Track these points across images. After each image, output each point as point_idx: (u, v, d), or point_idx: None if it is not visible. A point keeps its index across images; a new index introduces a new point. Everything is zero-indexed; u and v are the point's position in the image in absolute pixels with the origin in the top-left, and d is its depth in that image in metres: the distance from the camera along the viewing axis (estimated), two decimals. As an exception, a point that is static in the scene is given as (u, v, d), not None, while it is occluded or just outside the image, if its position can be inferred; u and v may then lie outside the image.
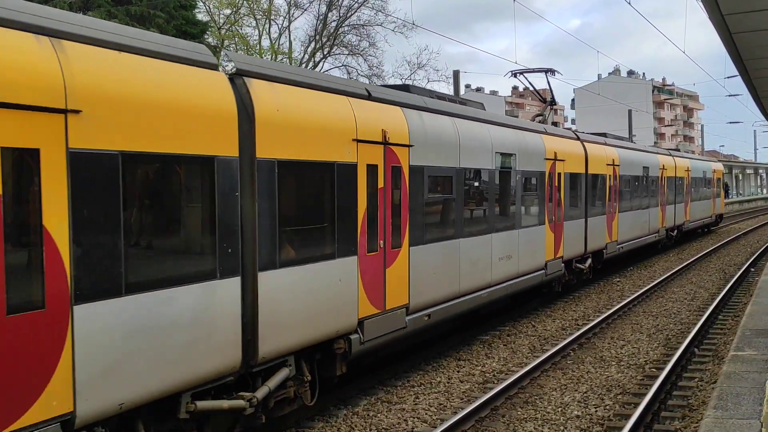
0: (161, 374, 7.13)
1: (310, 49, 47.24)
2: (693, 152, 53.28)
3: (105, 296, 6.57)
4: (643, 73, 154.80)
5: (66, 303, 6.20)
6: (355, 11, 45.92)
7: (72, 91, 6.29)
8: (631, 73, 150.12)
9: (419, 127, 11.90)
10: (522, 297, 17.97)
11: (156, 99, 7.09)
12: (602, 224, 22.39)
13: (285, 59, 46.46)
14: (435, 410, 10.86)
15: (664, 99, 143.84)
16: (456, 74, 33.66)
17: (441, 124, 12.88)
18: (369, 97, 10.94)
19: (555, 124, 23.42)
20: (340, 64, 47.75)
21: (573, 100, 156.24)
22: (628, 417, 10.23)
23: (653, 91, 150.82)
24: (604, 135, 25.50)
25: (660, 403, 11.12)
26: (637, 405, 10.78)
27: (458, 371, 13.08)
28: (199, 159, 7.56)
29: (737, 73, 17.03)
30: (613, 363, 13.67)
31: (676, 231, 33.21)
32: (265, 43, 48.00)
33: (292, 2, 45.91)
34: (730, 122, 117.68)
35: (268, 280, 8.50)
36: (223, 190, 7.87)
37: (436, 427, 9.85)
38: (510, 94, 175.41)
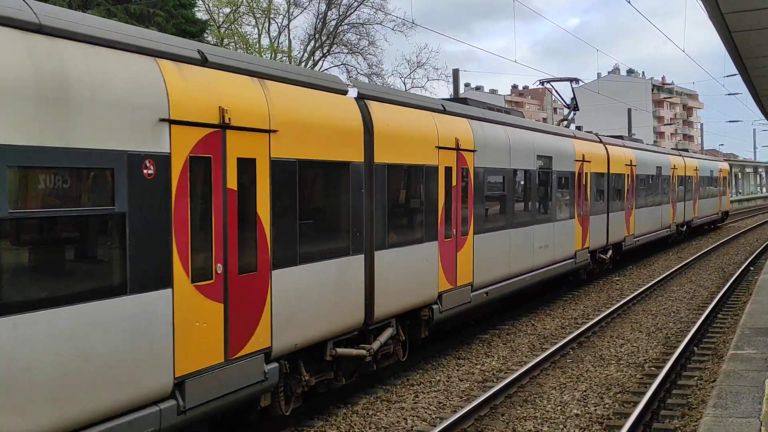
0: (318, 325, 9.50)
1: (309, 48, 47.23)
2: (695, 151, 53.50)
3: (288, 264, 8.92)
4: (643, 72, 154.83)
5: (268, 268, 8.60)
6: (355, 10, 45.89)
7: (273, 118, 8.67)
8: (630, 72, 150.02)
9: (481, 135, 14.36)
10: (554, 282, 20.11)
11: (314, 120, 9.43)
12: (621, 219, 24.78)
13: (284, 58, 46.44)
14: (434, 409, 10.86)
15: (664, 98, 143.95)
16: (456, 73, 33.66)
17: (496, 132, 15.37)
18: (444, 111, 13.39)
19: (579, 127, 25.88)
20: (340, 63, 47.73)
21: (573, 98, 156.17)
22: (627, 416, 10.24)
23: (653, 90, 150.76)
24: (621, 137, 28.13)
25: (659, 401, 11.13)
26: (636, 404, 10.79)
27: (458, 370, 13.08)
28: (341, 164, 10.00)
29: (737, 72, 17.02)
30: (613, 362, 13.68)
31: (685, 227, 35.53)
32: (265, 41, 47.98)
33: (292, 1, 45.88)
34: (730, 121, 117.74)
35: (381, 258, 10.87)
36: (354, 187, 10.24)
37: (435, 426, 9.86)
38: (510, 93, 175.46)
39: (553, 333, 16.11)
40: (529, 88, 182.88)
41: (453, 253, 13.18)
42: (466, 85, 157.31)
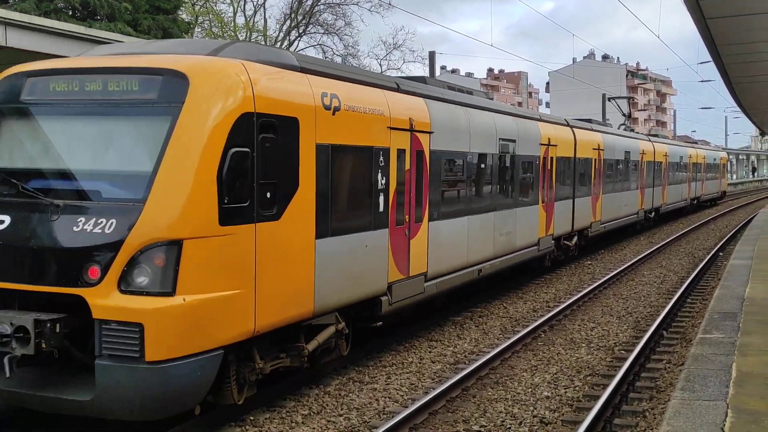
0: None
1: (285, 28, 46.88)
2: (665, 136, 54.35)
3: (437, 219, 13.66)
4: (618, 57, 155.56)
5: (427, 221, 13.16)
6: (332, -11, 45.59)
7: (432, 123, 13.27)
8: (605, 57, 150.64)
9: (438, 116, 13.79)
10: (518, 270, 19.76)
11: (444, 120, 13.98)
12: (588, 205, 24.36)
13: (260, 37, 46.05)
14: (406, 390, 10.91)
15: (638, 83, 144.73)
16: (432, 55, 33.60)
17: (455, 113, 14.77)
18: (398, 89, 12.84)
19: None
20: (316, 43, 47.44)
21: (548, 83, 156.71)
22: (597, 398, 10.34)
23: (627, 76, 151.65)
24: (589, 121, 27.34)
25: (628, 384, 11.25)
26: (606, 386, 10.90)
27: (430, 352, 13.13)
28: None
29: (710, 59, 17.15)
30: (584, 345, 13.81)
31: (653, 213, 35.07)
32: (240, 20, 47.55)
33: (268, -21, 45.48)
34: (702, 108, 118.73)
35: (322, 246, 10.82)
36: (400, 168, 12.38)
37: (407, 407, 9.90)
38: (486, 77, 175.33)
39: (525, 316, 16.22)
40: (505, 71, 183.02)
41: (405, 241, 12.42)
42: (442, 67, 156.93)
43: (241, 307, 8.49)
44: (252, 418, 9.58)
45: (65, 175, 8.54)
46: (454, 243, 14.43)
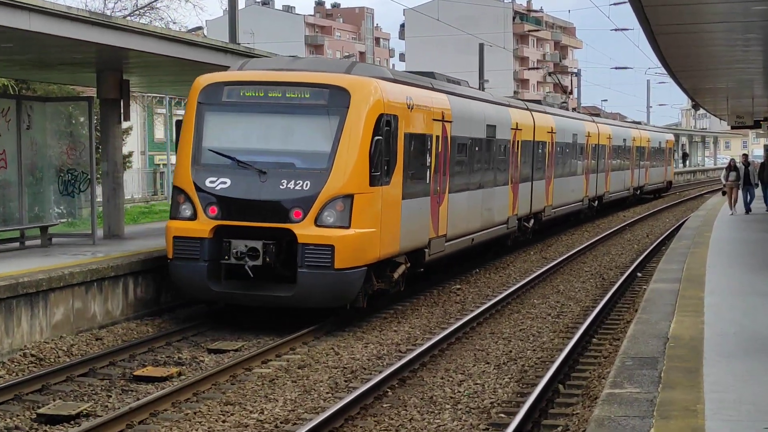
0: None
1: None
2: (598, 115, 58.25)
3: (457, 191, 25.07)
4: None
5: (444, 193, 23.78)
6: None
7: (452, 113, 23.98)
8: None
9: (455, 108, 24.64)
10: (488, 246, 30.18)
11: (467, 112, 25.72)
12: (542, 188, 34.96)
13: None
14: None
15: (529, 30, 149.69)
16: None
17: (465, 105, 25.92)
18: (432, 88, 23.99)
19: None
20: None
21: (402, 26, 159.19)
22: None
23: (514, 19, 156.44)
24: (539, 102, 40.73)
25: (509, 462, 11.59)
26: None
27: (224, 421, 13.11)
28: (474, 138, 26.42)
29: (626, -1, 17.85)
30: (448, 406, 14.13)
31: (597, 202, 46.62)
32: None
33: None
34: (616, 68, 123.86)
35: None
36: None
37: None
38: (313, 13, 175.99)
39: (365, 365, 16.44)
40: (341, 6, 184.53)
41: (437, 207, 23.23)
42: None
43: (376, 240, 19.21)
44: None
45: (265, 152, 19.14)
46: (461, 213, 25.26)
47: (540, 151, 34.19)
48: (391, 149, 19.87)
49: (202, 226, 18.74)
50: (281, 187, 18.43)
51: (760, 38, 21.42)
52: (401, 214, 20.47)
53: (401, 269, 21.04)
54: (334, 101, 18.90)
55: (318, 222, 18.27)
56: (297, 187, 18.38)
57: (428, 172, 22.37)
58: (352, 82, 19.33)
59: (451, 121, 23.80)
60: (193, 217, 18.86)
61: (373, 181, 19.02)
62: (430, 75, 25.11)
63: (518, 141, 30.70)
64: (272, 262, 18.33)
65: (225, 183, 18.75)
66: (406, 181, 20.69)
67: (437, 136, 22.87)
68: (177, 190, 19.45)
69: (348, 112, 18.79)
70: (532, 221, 33.68)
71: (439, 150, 22.99)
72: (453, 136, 24.02)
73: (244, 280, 18.54)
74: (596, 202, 46.02)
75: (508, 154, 29.68)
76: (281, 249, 18.57)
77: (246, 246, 18.21)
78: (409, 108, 20.90)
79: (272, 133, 19.47)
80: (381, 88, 19.63)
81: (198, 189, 18.88)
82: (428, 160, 22.34)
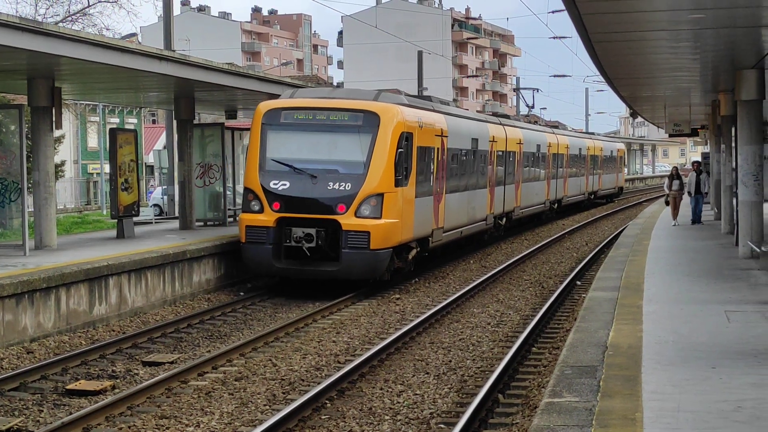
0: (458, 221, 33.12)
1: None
2: (530, 121, 59.52)
3: (452, 192, 32.16)
4: (440, 1, 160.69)
5: (442, 194, 30.61)
6: None
7: (448, 129, 31.09)
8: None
9: (450, 125, 31.30)
10: (470, 239, 36.99)
11: (457, 128, 32.92)
12: (513, 192, 42.10)
13: None
14: None
15: (468, 38, 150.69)
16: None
17: (457, 122, 32.82)
18: (433, 110, 30.53)
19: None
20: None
21: (341, 33, 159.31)
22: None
23: (453, 26, 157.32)
24: (507, 116, 50.39)
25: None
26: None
27: None
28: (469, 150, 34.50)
29: (564, 7, 17.99)
30: (387, 417, 14.15)
31: (557, 204, 54.58)
32: None
33: None
34: (555, 75, 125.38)
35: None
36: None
37: None
38: (250, 20, 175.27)
39: (303, 376, 16.41)
40: (278, 13, 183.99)
41: (437, 205, 29.40)
42: (183, 3, 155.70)
43: (398, 228, 25.56)
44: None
45: (315, 161, 25.48)
46: (454, 210, 31.49)
47: (511, 159, 41.81)
48: (408, 159, 26.21)
49: (268, 217, 24.73)
50: (329, 187, 24.75)
51: (697, 46, 21.66)
52: (414, 209, 26.76)
53: (413, 252, 27.47)
54: (367, 122, 25.32)
55: (357, 214, 24.53)
56: (340, 188, 24.78)
57: (432, 177, 28.78)
58: (380, 107, 25.83)
59: (447, 136, 30.38)
60: (261, 210, 24.90)
61: (397, 183, 25.33)
62: (428, 99, 32.81)
63: (494, 151, 38.20)
64: (323, 245, 24.28)
65: (285, 185, 25.10)
66: (417, 183, 27.07)
67: (438, 148, 29.30)
68: (248, 191, 25.68)
69: (378, 130, 25.19)
70: (504, 219, 41.10)
71: (439, 159, 29.45)
72: (448, 147, 30.57)
73: (300, 259, 24.72)
74: (556, 204, 54.34)
75: (486, 162, 36.87)
76: (328, 235, 24.61)
77: (303, 232, 24.39)
78: (420, 126, 27.29)
79: (320, 146, 25.76)
80: (401, 111, 26.15)
81: (264, 189, 25.02)
82: (432, 167, 28.80)
